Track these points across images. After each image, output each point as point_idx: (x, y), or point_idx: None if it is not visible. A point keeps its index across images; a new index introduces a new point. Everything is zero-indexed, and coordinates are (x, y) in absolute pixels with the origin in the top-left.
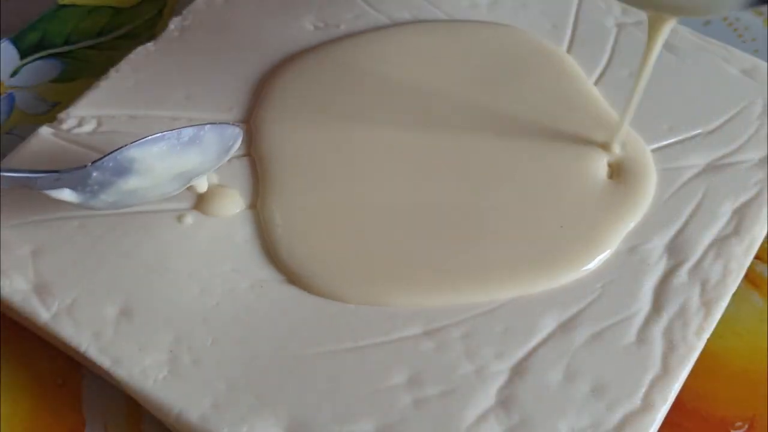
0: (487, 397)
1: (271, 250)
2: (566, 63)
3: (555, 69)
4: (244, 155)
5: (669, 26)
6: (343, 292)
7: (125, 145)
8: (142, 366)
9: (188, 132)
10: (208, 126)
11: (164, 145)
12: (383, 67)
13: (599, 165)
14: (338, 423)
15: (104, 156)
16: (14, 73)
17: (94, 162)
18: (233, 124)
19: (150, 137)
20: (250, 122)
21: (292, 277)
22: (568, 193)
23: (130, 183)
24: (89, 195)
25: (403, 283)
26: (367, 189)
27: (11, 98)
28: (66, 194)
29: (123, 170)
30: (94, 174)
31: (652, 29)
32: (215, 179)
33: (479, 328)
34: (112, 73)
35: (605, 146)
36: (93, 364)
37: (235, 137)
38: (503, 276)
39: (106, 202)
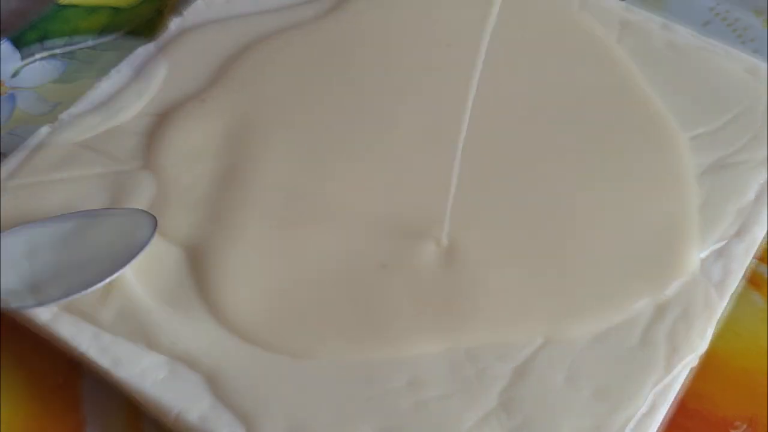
0: (489, 399)
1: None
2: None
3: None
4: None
5: None
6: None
7: None
8: (141, 366)
9: None
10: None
11: None
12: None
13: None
14: (338, 426)
15: None
16: (15, 74)
17: None
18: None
19: None
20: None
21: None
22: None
23: None
24: None
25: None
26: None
27: (12, 98)
28: None
29: None
30: None
31: None
32: None
33: None
34: (113, 73)
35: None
36: (93, 364)
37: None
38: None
39: None
